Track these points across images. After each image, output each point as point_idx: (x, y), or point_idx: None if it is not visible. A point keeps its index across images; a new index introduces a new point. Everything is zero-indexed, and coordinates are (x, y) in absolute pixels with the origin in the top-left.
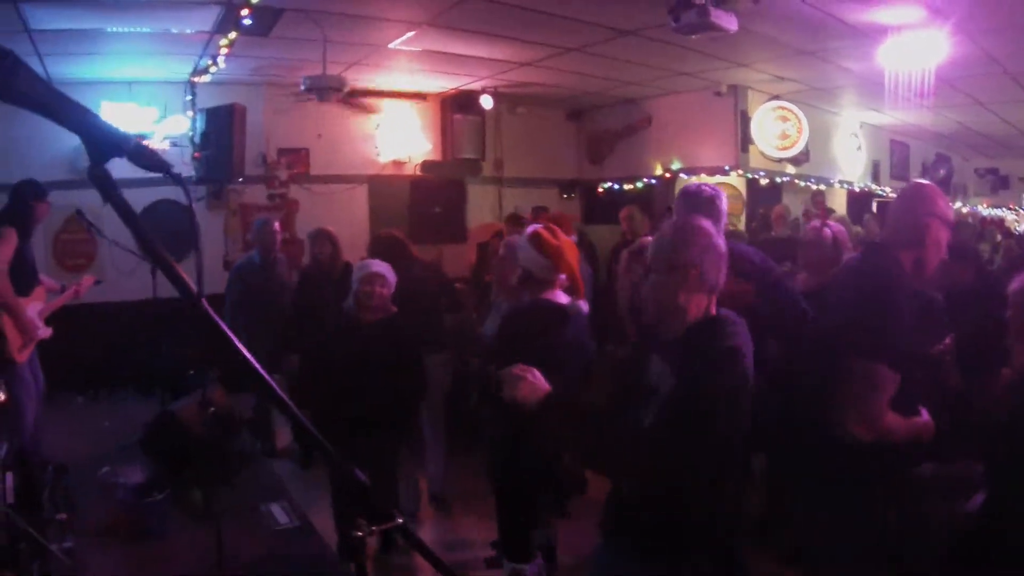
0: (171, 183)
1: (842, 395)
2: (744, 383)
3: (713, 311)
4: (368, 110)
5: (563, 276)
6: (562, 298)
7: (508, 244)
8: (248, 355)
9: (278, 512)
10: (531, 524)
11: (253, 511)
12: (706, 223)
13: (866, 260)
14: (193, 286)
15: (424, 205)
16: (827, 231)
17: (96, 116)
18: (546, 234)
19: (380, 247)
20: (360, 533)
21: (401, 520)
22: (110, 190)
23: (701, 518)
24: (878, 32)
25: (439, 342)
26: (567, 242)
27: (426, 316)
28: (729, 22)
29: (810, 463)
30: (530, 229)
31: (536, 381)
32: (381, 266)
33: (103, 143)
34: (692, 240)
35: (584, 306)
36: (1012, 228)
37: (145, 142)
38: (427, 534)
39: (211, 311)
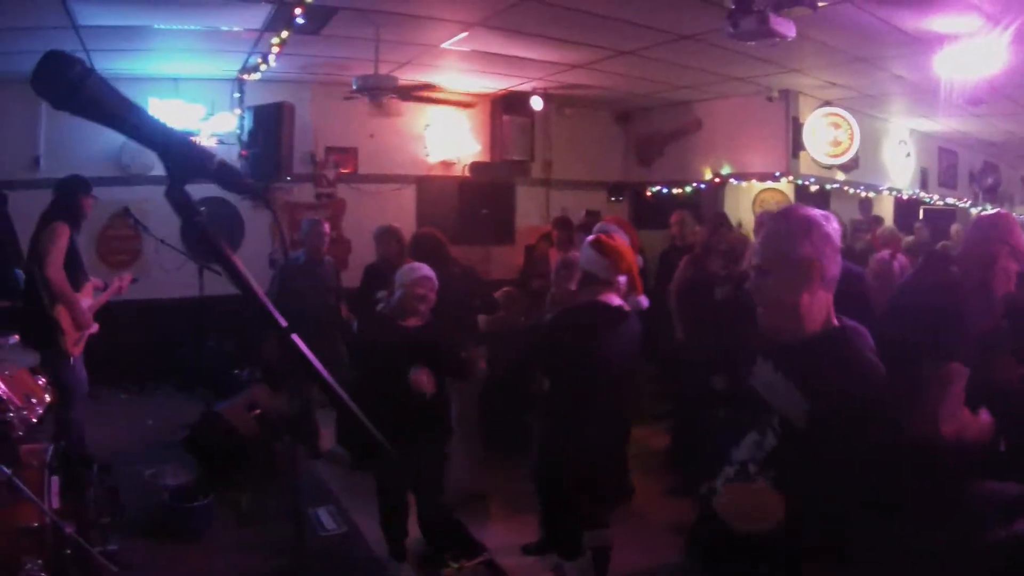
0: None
1: (917, 399)
2: (885, 403)
3: (835, 317)
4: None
5: (623, 278)
6: (616, 300)
7: (567, 261)
8: (333, 383)
9: (324, 517)
10: (581, 524)
11: (300, 513)
12: (813, 211)
13: (929, 266)
14: (281, 320)
15: (472, 206)
16: (896, 264)
17: (178, 135)
18: (605, 238)
19: (420, 245)
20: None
21: (487, 554)
22: (191, 214)
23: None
24: (934, 40)
25: (472, 342)
26: (624, 245)
27: (459, 317)
28: (787, 28)
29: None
30: (590, 237)
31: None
32: (428, 270)
33: (185, 164)
34: (809, 230)
35: (644, 301)
36: None
37: (193, 139)
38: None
39: (301, 344)
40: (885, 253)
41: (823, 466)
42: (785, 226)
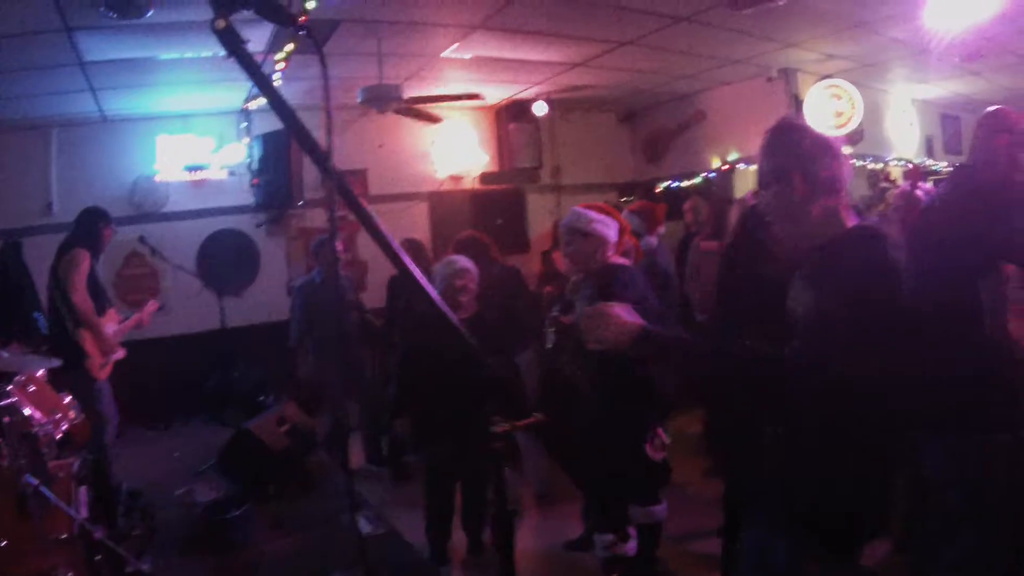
0: (231, 212)
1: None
2: (899, 307)
3: (852, 219)
4: (431, 119)
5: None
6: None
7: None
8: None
9: (362, 521)
10: (626, 499)
11: (336, 520)
12: (799, 120)
13: (955, 180)
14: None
15: (485, 217)
16: (919, 192)
17: None
18: (594, 205)
19: (463, 248)
20: (500, 428)
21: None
22: (237, 43)
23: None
24: None
25: (523, 341)
26: (615, 212)
27: (507, 315)
28: None
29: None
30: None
31: (622, 316)
32: (467, 261)
33: None
34: (790, 138)
35: (652, 240)
36: None
37: (202, 173)
38: (531, 532)
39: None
40: (906, 185)
41: (829, 365)
42: (771, 139)
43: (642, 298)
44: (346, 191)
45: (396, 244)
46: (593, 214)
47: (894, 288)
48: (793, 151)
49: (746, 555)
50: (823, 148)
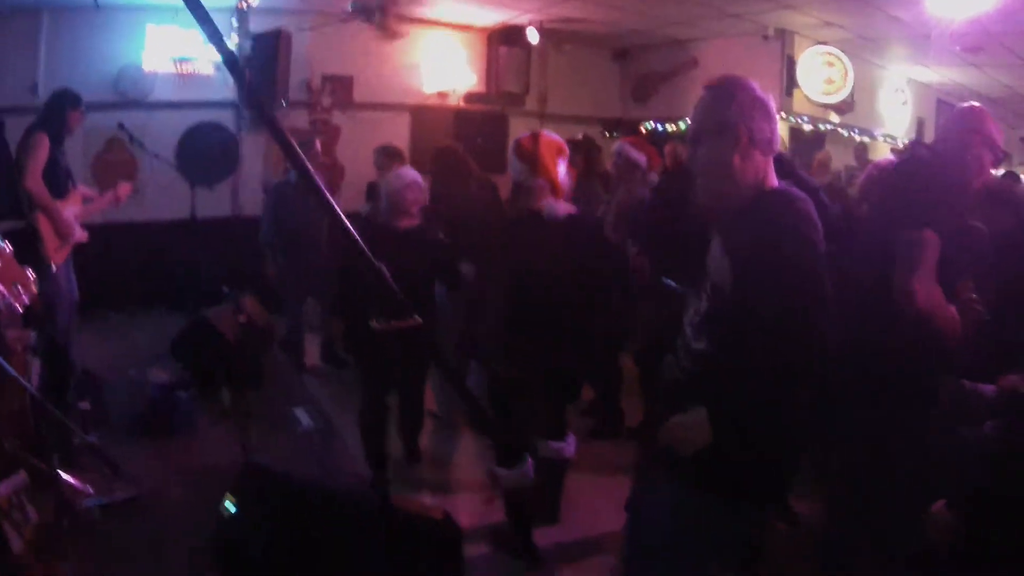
0: (215, 106)
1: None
2: (817, 271)
3: (773, 180)
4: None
5: (541, 180)
6: (556, 207)
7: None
8: None
9: (303, 416)
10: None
11: (279, 414)
12: (741, 78)
13: (908, 158)
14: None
15: (466, 136)
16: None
17: None
18: (525, 140)
19: (442, 156)
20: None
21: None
22: None
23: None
24: None
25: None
26: (548, 144)
27: (481, 232)
28: None
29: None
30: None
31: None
32: (416, 175)
33: None
34: (736, 95)
35: (560, 207)
36: None
37: (189, 66)
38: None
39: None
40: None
41: (744, 329)
42: (711, 95)
43: None
44: (255, 98)
45: (311, 169)
46: None
47: (809, 253)
48: (742, 107)
49: (647, 499)
50: (766, 108)
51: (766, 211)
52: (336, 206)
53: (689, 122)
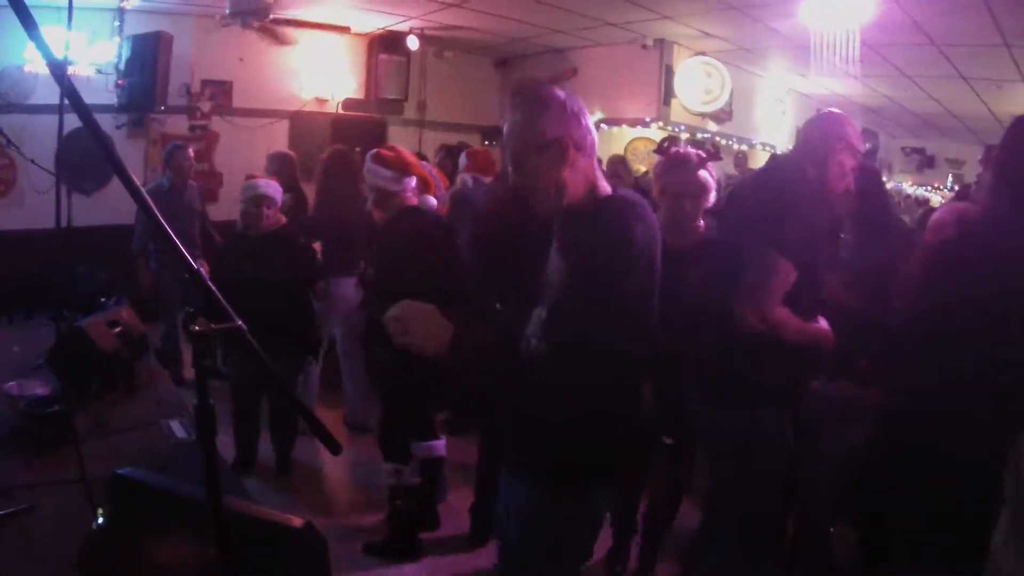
0: (95, 111)
1: (740, 285)
2: (641, 275)
3: (606, 187)
4: (284, 40)
5: (412, 179)
6: (425, 201)
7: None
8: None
9: (176, 427)
10: (413, 434)
11: (152, 425)
12: (545, 89)
13: (769, 165)
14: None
15: (345, 143)
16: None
17: None
18: (383, 151)
19: (331, 162)
20: (198, 328)
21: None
22: None
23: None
24: None
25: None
26: (404, 151)
27: (353, 238)
28: None
29: (711, 380)
30: (371, 152)
31: (429, 320)
32: (272, 188)
33: None
34: (548, 106)
35: (431, 201)
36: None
37: (71, 69)
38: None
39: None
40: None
41: (575, 329)
42: (523, 114)
43: None
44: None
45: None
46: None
47: (641, 257)
48: (559, 118)
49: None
50: (583, 114)
51: (598, 216)
52: (152, 203)
53: (506, 144)
